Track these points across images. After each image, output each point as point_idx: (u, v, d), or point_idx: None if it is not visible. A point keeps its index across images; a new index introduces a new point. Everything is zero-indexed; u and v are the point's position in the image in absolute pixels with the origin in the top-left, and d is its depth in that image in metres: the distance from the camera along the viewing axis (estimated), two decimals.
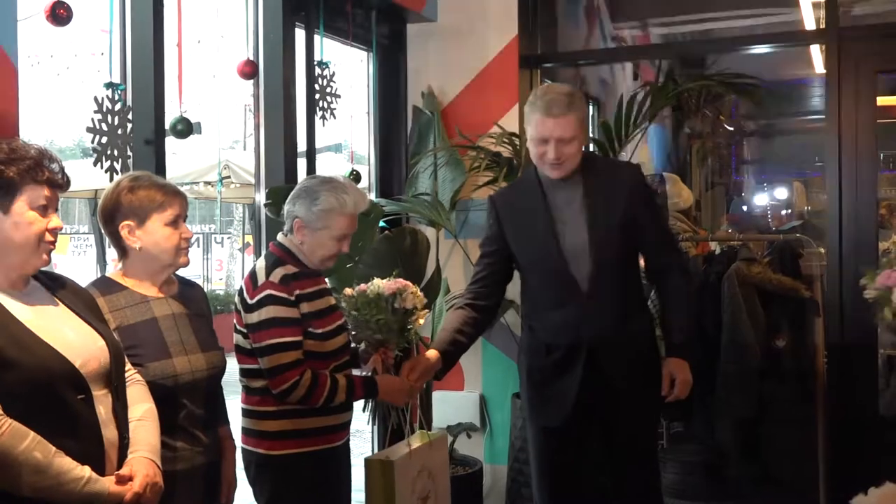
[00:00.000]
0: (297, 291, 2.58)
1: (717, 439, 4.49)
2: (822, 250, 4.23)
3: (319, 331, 2.61)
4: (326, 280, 2.89)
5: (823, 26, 4.21)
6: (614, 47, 6.23)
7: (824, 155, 4.13)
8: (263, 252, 2.89)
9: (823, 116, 4.14)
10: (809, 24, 5.33)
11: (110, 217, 2.34)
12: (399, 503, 2.54)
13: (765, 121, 7.26)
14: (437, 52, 4.65)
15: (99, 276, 2.48)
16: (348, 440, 2.78)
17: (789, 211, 5.38)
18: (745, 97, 4.33)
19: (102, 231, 2.40)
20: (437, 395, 4.45)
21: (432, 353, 2.88)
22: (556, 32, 5.39)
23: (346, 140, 4.39)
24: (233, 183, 9.68)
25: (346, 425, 2.73)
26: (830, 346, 4.08)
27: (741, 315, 4.19)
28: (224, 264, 17.15)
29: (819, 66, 6.53)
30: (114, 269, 2.42)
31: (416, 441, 2.71)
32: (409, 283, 2.75)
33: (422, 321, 2.74)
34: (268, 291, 2.56)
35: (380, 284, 2.73)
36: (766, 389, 4.29)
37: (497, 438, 4.48)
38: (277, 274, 2.58)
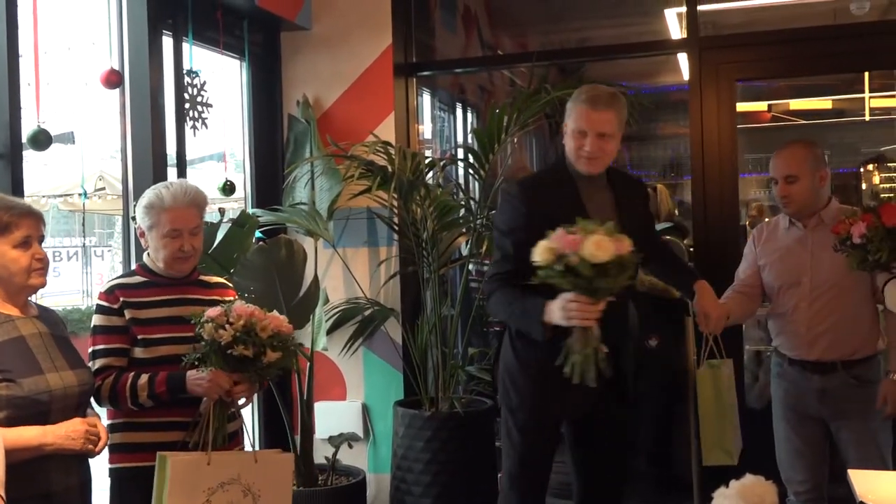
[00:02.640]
0: (123, 299, 2.65)
1: None
2: (691, 250, 4.38)
3: (140, 336, 2.63)
4: (223, 291, 2.85)
5: (686, 36, 4.37)
6: (490, 55, 6.31)
7: (689, 159, 4.28)
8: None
9: None
10: (675, 34, 5.51)
11: None
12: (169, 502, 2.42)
13: (640, 126, 7.49)
14: (311, 61, 4.62)
15: None
16: None
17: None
18: None
19: None
20: (319, 406, 4.41)
21: None
22: (434, 41, 5.42)
23: (225, 150, 4.32)
24: (109, 194, 9.39)
25: (176, 445, 2.61)
26: (699, 345, 4.22)
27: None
28: (104, 278, 16.58)
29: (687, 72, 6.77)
30: None
31: (244, 455, 2.62)
32: (256, 313, 2.55)
33: (272, 357, 2.54)
34: (96, 301, 2.70)
35: (210, 312, 2.56)
36: (640, 388, 4.41)
37: (380, 447, 4.47)
38: (108, 283, 2.73)
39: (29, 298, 2.40)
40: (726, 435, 3.19)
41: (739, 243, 4.32)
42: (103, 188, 8.91)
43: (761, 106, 7.65)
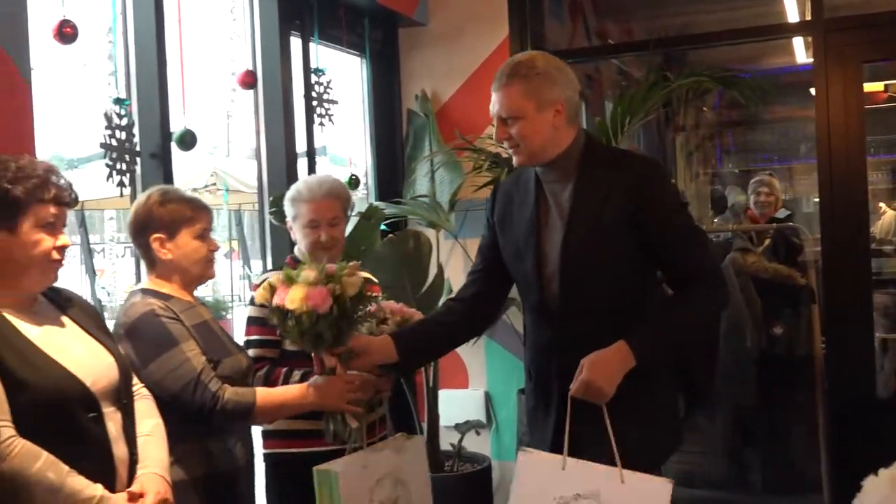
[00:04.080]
0: None
1: (719, 427, 4.58)
2: (817, 237, 4.31)
3: None
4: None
5: (809, 18, 4.29)
6: (602, 45, 6.28)
7: (815, 144, 4.20)
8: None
9: (807, 105, 4.21)
10: (792, 16, 5.41)
11: (141, 229, 2.38)
12: None
13: (748, 110, 7.35)
14: (429, 55, 4.70)
15: (140, 287, 2.47)
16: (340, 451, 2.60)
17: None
18: (734, 90, 4.39)
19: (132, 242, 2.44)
20: (443, 394, 4.49)
21: (382, 339, 2.42)
22: (544, 30, 5.44)
23: (328, 144, 4.46)
24: (218, 189, 9.74)
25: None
26: (827, 332, 4.16)
27: (738, 304, 4.28)
28: None
29: (800, 54, 6.63)
30: (147, 279, 2.45)
31: (386, 446, 2.64)
32: (405, 310, 2.65)
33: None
34: (251, 292, 2.81)
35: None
36: (766, 376, 4.37)
37: (504, 434, 4.54)
38: (263, 276, 2.80)
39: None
40: None
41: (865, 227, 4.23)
42: (214, 183, 9.25)
43: (877, 86, 7.42)
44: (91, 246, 10.58)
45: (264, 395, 2.32)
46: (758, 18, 5.90)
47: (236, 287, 13.47)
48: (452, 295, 2.72)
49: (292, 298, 2.21)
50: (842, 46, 4.14)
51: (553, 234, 2.34)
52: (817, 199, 4.44)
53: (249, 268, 11.96)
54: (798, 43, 6.41)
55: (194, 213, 2.39)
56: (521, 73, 2.28)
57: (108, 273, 12.48)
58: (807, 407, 4.29)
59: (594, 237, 2.28)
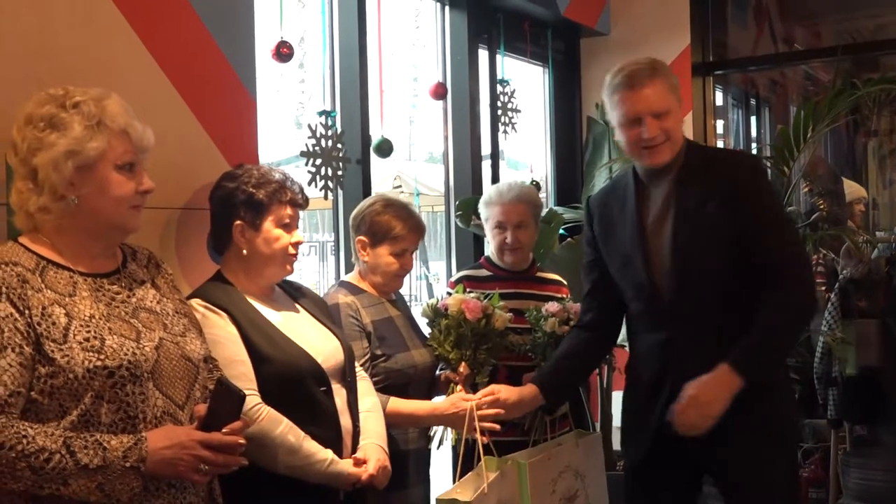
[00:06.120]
0: (468, 290, 2.88)
1: None
2: None
3: None
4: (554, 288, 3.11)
5: None
6: (789, 51, 6.16)
7: None
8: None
9: None
10: None
11: (354, 227, 2.67)
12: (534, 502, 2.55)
13: None
14: (609, 64, 4.70)
15: (341, 279, 2.81)
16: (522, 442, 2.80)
17: None
18: None
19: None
20: (616, 395, 4.58)
21: (529, 388, 2.59)
22: (726, 37, 5.42)
23: (510, 151, 4.68)
24: (402, 192, 10.16)
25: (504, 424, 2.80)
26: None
27: None
28: None
29: None
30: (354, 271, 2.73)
31: (567, 440, 2.76)
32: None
33: None
34: (446, 288, 3.10)
35: (549, 307, 2.87)
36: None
37: None
38: (458, 274, 3.09)
39: None
40: None
41: None
42: (399, 186, 9.64)
43: None
44: None
45: (395, 405, 2.49)
46: None
47: (413, 287, 13.96)
48: (578, 323, 2.79)
49: (453, 300, 2.65)
50: None
51: (660, 236, 2.39)
52: None
53: (428, 268, 12.36)
54: None
55: (404, 233, 2.61)
56: (661, 70, 2.40)
57: (296, 269, 13.27)
58: None
59: (700, 235, 2.33)
